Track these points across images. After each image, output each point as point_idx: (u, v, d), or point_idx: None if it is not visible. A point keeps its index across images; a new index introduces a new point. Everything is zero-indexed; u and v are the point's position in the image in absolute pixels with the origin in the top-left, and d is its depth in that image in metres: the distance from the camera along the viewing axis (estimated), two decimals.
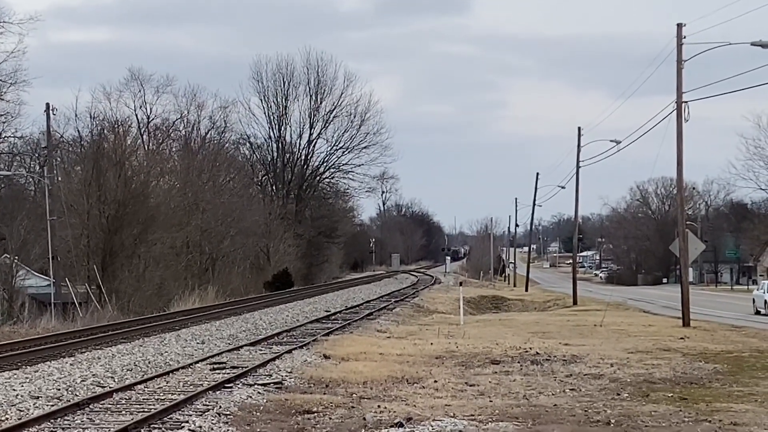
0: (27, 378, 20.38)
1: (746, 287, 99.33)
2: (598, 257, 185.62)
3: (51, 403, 17.14)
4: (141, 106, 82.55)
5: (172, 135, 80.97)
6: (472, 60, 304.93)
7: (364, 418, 15.54)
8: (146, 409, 16.25)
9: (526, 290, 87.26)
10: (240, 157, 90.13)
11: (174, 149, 77.42)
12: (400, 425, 14.85)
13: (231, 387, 18.92)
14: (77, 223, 50.02)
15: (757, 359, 24.26)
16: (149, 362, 23.30)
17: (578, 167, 60.21)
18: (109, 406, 16.90)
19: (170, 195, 61.45)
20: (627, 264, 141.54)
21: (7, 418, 15.70)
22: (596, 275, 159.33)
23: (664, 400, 17.56)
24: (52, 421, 15.36)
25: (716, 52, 35.16)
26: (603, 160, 67.42)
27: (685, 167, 36.67)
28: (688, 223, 42.00)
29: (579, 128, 60.43)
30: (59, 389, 18.69)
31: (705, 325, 35.82)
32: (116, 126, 63.43)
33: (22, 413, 16.17)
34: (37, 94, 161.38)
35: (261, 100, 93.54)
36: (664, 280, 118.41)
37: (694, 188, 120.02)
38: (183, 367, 21.92)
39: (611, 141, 53.62)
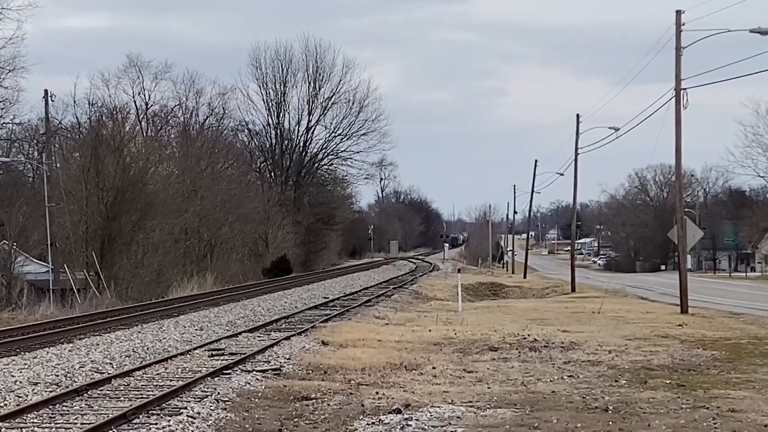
0: (25, 364, 20.40)
1: (744, 274, 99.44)
2: (596, 244, 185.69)
3: (49, 390, 17.15)
4: (139, 93, 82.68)
5: (170, 121, 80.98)
6: (473, 47, 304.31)
7: (363, 405, 15.56)
8: (145, 396, 16.26)
9: (525, 277, 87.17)
10: (238, 144, 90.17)
11: (172, 136, 77.43)
12: (399, 412, 14.86)
13: (229, 373, 18.93)
14: (76, 209, 49.99)
15: (755, 346, 24.27)
16: (148, 348, 23.32)
17: (577, 154, 60.23)
18: (108, 392, 16.91)
19: (169, 181, 61.44)
20: (625, 251, 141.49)
21: (5, 404, 15.72)
22: (594, 262, 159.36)
23: (662, 386, 17.58)
24: (50, 407, 15.37)
25: (715, 39, 35.16)
26: (602, 147, 67.63)
27: (684, 154, 36.64)
28: (686, 210, 42.00)
29: (578, 115, 60.36)
30: (58, 375, 18.71)
31: (703, 312, 35.84)
32: (115, 112, 63.39)
33: (20, 399, 16.18)
34: (35, 80, 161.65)
35: (259, 87, 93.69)
36: (663, 267, 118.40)
37: (692, 175, 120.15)
38: (181, 354, 21.94)
39: (610, 128, 53.47)
